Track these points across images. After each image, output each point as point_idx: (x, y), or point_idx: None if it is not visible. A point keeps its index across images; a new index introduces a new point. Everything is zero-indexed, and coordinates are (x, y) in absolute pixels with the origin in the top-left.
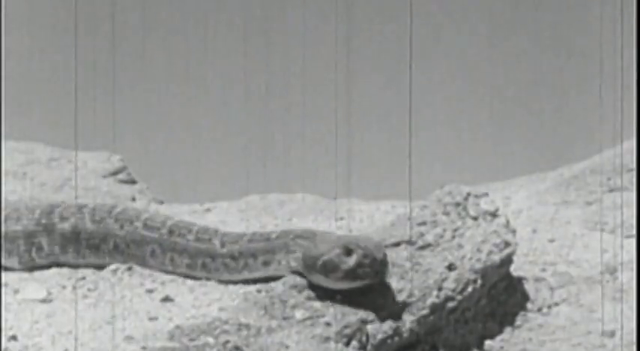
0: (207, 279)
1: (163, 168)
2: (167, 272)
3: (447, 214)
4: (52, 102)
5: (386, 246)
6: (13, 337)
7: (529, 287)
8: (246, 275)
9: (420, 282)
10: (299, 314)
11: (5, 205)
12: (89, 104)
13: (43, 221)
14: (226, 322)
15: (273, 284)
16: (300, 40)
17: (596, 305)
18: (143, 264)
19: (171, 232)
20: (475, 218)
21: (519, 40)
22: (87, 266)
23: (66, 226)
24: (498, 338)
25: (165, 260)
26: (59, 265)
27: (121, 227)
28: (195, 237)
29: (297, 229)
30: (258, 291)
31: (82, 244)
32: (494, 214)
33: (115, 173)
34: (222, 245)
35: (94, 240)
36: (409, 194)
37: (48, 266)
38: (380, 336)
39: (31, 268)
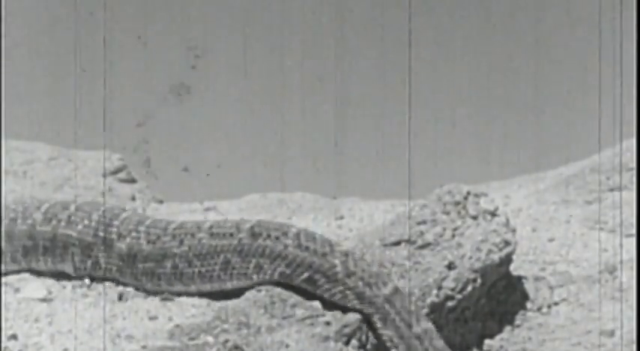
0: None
1: (163, 168)
2: (250, 284)
3: (446, 213)
4: (52, 101)
5: (385, 245)
6: (13, 336)
7: (529, 286)
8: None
9: (419, 281)
10: (299, 313)
11: (39, 202)
12: (89, 104)
13: (101, 234)
14: (226, 321)
15: None
16: (300, 41)
17: (595, 304)
18: (211, 281)
19: (253, 234)
20: (475, 217)
21: (519, 40)
22: (146, 292)
23: (123, 246)
24: (498, 337)
25: (249, 268)
26: (119, 282)
27: (181, 243)
28: (294, 242)
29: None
30: (258, 290)
31: (138, 268)
32: (493, 214)
33: (115, 172)
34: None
35: (149, 263)
36: (408, 194)
37: (105, 280)
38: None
39: (88, 277)
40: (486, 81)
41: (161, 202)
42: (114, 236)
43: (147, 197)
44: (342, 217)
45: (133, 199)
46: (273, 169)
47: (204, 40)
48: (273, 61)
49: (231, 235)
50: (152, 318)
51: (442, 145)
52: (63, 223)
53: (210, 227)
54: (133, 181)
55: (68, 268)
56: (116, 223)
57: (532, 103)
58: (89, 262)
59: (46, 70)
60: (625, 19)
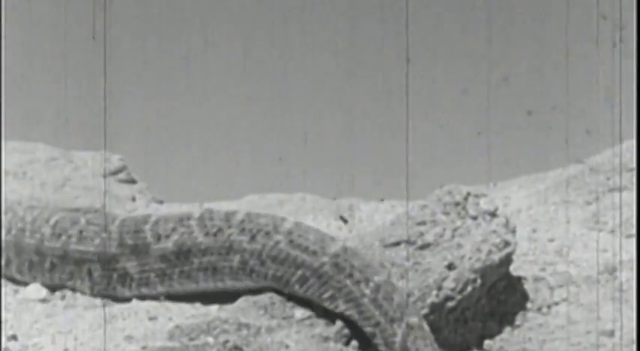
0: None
1: (163, 168)
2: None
3: (446, 213)
4: (52, 102)
5: (385, 245)
6: (13, 337)
7: (529, 287)
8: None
9: (419, 281)
10: (299, 314)
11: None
12: (89, 104)
13: (129, 241)
14: (226, 322)
15: None
16: (300, 41)
17: (595, 305)
18: (287, 287)
19: (345, 251)
20: (475, 218)
21: (519, 39)
22: (204, 293)
23: (169, 244)
24: (498, 338)
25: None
26: (153, 297)
27: (252, 238)
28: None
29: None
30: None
31: (193, 263)
32: (493, 214)
33: (114, 173)
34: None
35: (209, 257)
36: (407, 193)
37: (137, 297)
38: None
39: (111, 297)
40: (487, 81)
41: (161, 202)
42: (149, 240)
43: (147, 198)
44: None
45: (133, 199)
46: (273, 169)
47: (204, 40)
48: (273, 62)
49: (315, 253)
50: (152, 318)
51: (442, 146)
52: (74, 239)
53: (289, 232)
54: (132, 181)
55: (81, 286)
56: (147, 227)
57: (532, 104)
58: (115, 275)
59: (46, 71)
60: (625, 19)
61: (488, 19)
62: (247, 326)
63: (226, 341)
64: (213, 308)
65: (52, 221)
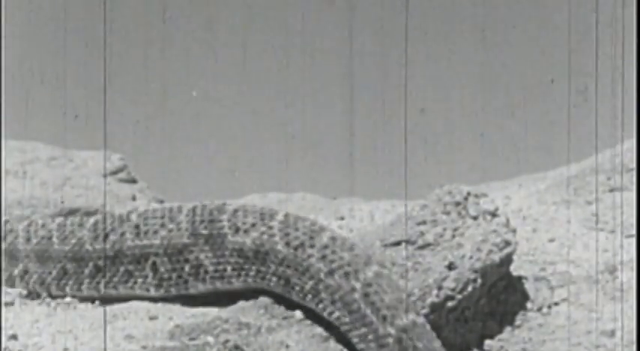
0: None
1: (163, 167)
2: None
3: (446, 213)
4: (53, 101)
5: (386, 245)
6: (13, 336)
7: (529, 286)
8: None
9: (419, 281)
10: (299, 313)
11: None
12: (89, 103)
13: (203, 231)
14: (226, 321)
15: None
16: (300, 41)
17: (596, 305)
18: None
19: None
20: (475, 217)
21: (519, 39)
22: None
23: (247, 240)
24: (498, 337)
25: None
26: (232, 296)
27: (330, 273)
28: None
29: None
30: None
31: (269, 267)
32: (494, 214)
33: (115, 172)
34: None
35: (285, 268)
36: (405, 193)
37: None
38: None
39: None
40: (487, 81)
41: (161, 202)
42: (226, 231)
43: (147, 197)
44: (342, 218)
45: (134, 198)
46: (273, 169)
47: (204, 39)
48: (274, 62)
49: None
50: (152, 318)
51: (442, 145)
52: (129, 235)
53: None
54: (133, 181)
55: (142, 286)
56: (224, 216)
57: (532, 103)
58: (187, 267)
59: (46, 70)
60: (625, 19)
61: (488, 19)
62: (247, 326)
63: (226, 341)
64: (214, 308)
65: (89, 224)
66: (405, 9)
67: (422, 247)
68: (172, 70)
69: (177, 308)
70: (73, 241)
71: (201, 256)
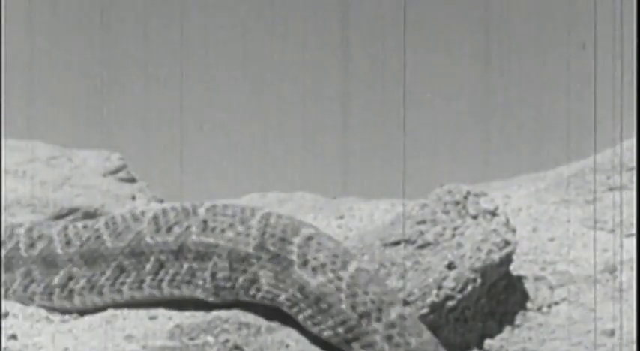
0: None
1: (163, 167)
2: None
3: (446, 212)
4: (52, 101)
5: (385, 245)
6: (13, 336)
7: (529, 286)
8: None
9: (419, 281)
10: None
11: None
12: (89, 103)
13: (271, 247)
14: (226, 321)
15: None
16: (299, 42)
17: (595, 304)
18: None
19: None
20: (475, 217)
21: (519, 39)
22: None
23: (313, 281)
24: (498, 337)
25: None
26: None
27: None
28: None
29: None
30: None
31: (327, 321)
32: (493, 213)
33: (114, 172)
34: None
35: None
36: (404, 192)
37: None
38: None
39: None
40: (487, 81)
41: (161, 201)
42: (294, 259)
43: (147, 196)
44: (341, 217)
45: (133, 198)
46: (273, 169)
47: (205, 39)
48: (273, 61)
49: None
50: (152, 318)
51: (443, 145)
52: (195, 229)
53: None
54: (133, 180)
55: (195, 291)
56: (296, 240)
57: (532, 103)
58: (241, 279)
59: (47, 70)
60: (624, 19)
61: (487, 18)
62: (247, 325)
63: (226, 340)
64: (214, 308)
65: (148, 217)
66: (403, 6)
67: (422, 247)
68: (172, 70)
69: (177, 308)
70: (130, 236)
71: (261, 272)
